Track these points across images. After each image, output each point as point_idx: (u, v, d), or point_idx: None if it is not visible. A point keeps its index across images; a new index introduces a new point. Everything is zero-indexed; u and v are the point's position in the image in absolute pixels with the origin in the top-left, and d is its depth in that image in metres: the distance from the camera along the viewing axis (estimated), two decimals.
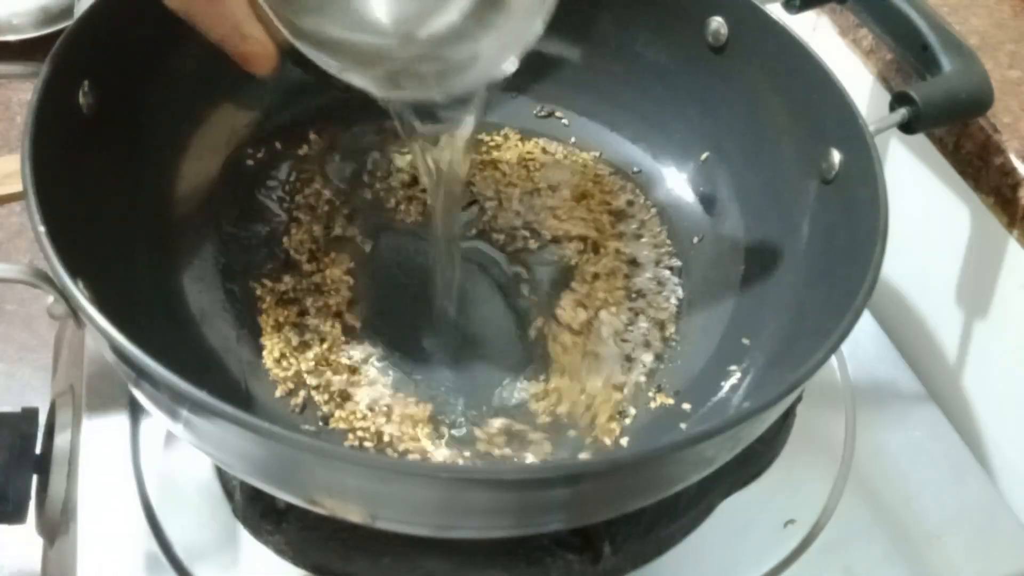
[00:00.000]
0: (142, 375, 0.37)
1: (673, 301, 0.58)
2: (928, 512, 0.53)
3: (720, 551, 0.51)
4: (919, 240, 0.64)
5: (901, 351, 0.62)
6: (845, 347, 0.61)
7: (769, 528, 0.52)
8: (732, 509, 0.52)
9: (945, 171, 0.60)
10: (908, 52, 0.56)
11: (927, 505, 0.54)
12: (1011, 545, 0.53)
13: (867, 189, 0.49)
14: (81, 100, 0.47)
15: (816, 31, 0.70)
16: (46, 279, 0.41)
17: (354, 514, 0.39)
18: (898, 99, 0.53)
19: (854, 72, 0.65)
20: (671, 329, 0.57)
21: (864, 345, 0.61)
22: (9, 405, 0.49)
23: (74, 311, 0.40)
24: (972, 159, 0.57)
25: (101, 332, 0.36)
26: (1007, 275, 0.57)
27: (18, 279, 0.41)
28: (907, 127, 0.52)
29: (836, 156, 0.52)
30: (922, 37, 0.54)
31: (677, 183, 0.63)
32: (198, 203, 0.57)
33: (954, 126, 0.58)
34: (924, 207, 0.63)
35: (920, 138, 0.61)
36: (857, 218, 0.49)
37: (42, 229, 0.39)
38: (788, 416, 0.55)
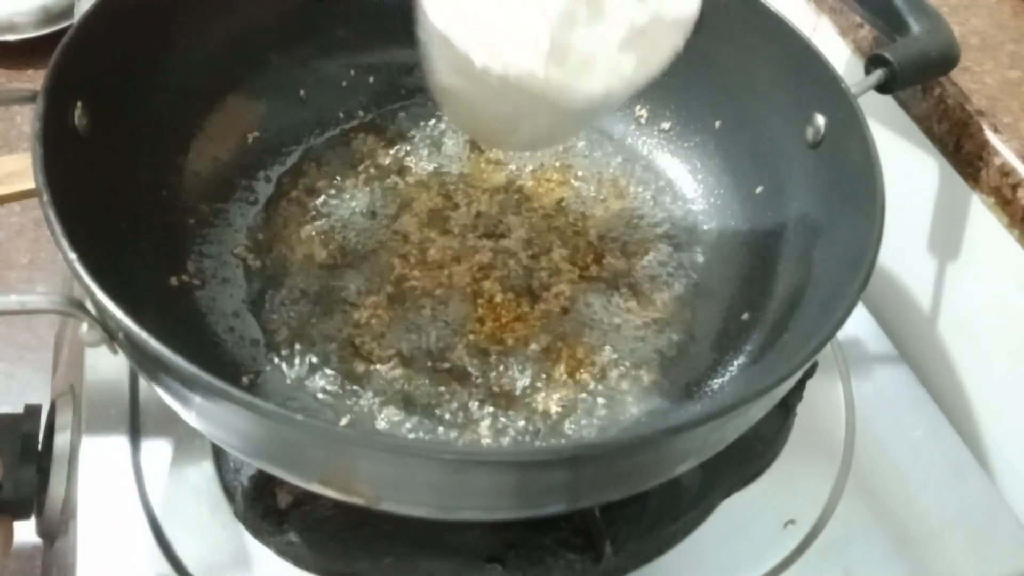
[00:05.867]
0: (178, 378, 0.37)
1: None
2: (928, 512, 0.54)
3: (720, 551, 0.51)
4: (918, 242, 0.64)
5: (901, 351, 0.62)
6: (845, 348, 0.61)
7: (769, 528, 0.52)
8: (732, 509, 0.52)
9: (944, 171, 0.60)
10: (877, 17, 0.57)
11: (927, 505, 0.54)
12: (1011, 545, 0.53)
13: (856, 149, 0.49)
14: (76, 122, 0.47)
15: (816, 31, 0.70)
16: (81, 307, 0.40)
17: (359, 496, 0.40)
18: (873, 61, 0.54)
19: (855, 69, 0.65)
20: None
21: (864, 346, 0.62)
22: (9, 405, 0.49)
23: (111, 337, 0.40)
24: (972, 159, 0.57)
25: (156, 357, 0.36)
26: (1007, 275, 0.57)
27: (53, 310, 0.40)
28: (883, 87, 0.54)
29: (820, 120, 0.54)
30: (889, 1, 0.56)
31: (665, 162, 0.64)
32: (203, 208, 0.57)
33: (954, 125, 0.58)
34: (922, 208, 0.63)
35: (919, 139, 0.61)
36: (850, 182, 0.50)
37: (73, 256, 0.38)
38: (788, 416, 0.55)
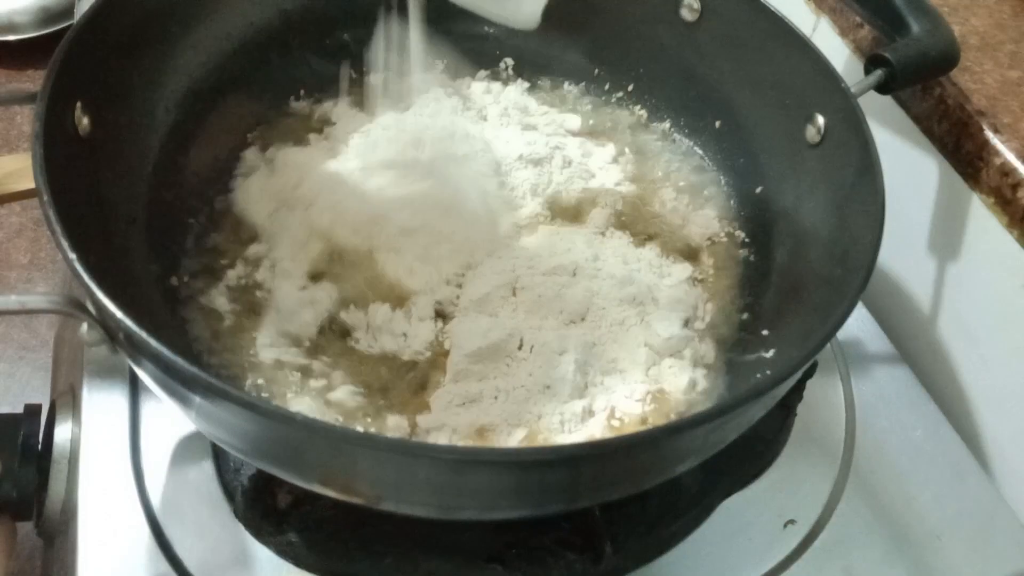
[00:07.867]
0: (178, 378, 0.37)
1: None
2: (928, 512, 0.54)
3: (720, 551, 0.51)
4: (918, 242, 0.64)
5: (901, 351, 0.62)
6: (845, 348, 0.61)
7: (769, 528, 0.52)
8: (732, 509, 0.52)
9: (944, 171, 0.60)
10: (876, 17, 0.57)
11: (927, 505, 0.54)
12: (1011, 545, 0.53)
13: (856, 149, 0.50)
14: (76, 122, 0.47)
15: (816, 31, 0.70)
16: (81, 307, 0.40)
17: (359, 496, 0.40)
18: (873, 61, 0.54)
19: (855, 69, 0.65)
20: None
21: (864, 346, 0.61)
22: (9, 405, 0.49)
23: (111, 337, 0.40)
24: (972, 159, 0.57)
25: (156, 357, 0.36)
26: (1007, 276, 0.57)
27: (53, 310, 0.40)
28: (883, 87, 0.54)
29: (820, 120, 0.54)
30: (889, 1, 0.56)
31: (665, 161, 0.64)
32: (203, 208, 0.57)
33: (954, 125, 0.58)
34: (922, 208, 0.63)
35: (919, 139, 0.61)
36: (850, 182, 0.50)
37: (73, 256, 0.38)
38: (788, 416, 0.55)
